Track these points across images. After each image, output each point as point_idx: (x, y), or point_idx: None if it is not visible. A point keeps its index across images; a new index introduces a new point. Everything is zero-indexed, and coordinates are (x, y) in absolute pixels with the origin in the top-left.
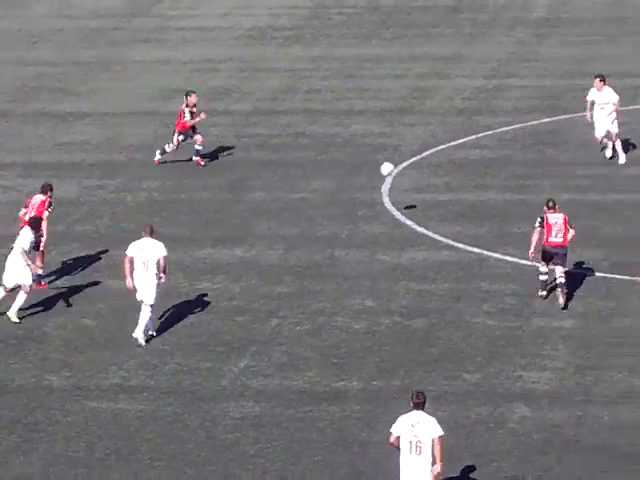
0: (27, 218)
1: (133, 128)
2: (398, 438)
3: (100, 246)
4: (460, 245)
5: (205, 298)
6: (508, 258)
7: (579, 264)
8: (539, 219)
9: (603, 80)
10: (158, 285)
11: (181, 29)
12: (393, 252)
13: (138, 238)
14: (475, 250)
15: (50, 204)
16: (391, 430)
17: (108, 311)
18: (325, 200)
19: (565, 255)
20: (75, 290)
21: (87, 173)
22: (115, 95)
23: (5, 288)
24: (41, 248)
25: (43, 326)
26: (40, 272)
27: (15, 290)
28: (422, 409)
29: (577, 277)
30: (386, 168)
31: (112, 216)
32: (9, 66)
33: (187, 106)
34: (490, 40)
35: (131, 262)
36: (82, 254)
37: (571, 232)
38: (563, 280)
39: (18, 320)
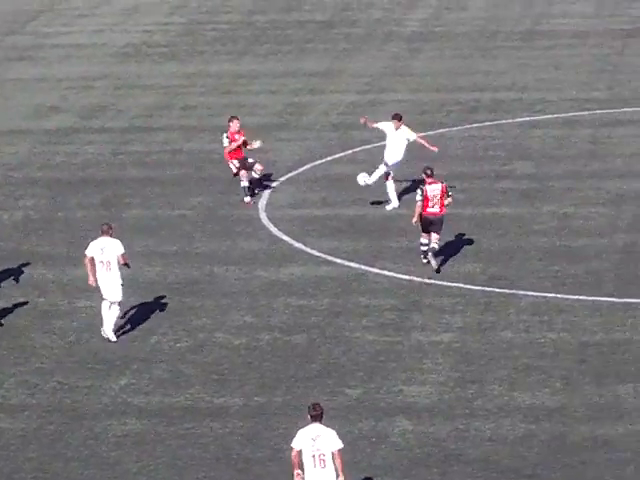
0: None
1: (9, 146)
2: (300, 452)
3: None
4: (338, 260)
5: (83, 316)
6: (386, 273)
7: (457, 277)
8: (419, 191)
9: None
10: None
11: (56, 46)
12: (271, 268)
13: (15, 257)
14: (353, 265)
15: None
16: (292, 445)
17: None
18: (203, 217)
19: (441, 223)
20: None
21: None
22: None
23: None
24: None
25: None
26: None
27: None
28: (320, 421)
29: (455, 290)
30: (361, 178)
31: None
32: None
33: (227, 132)
34: (364, 55)
35: (92, 262)
36: None
37: (448, 200)
38: (436, 246)
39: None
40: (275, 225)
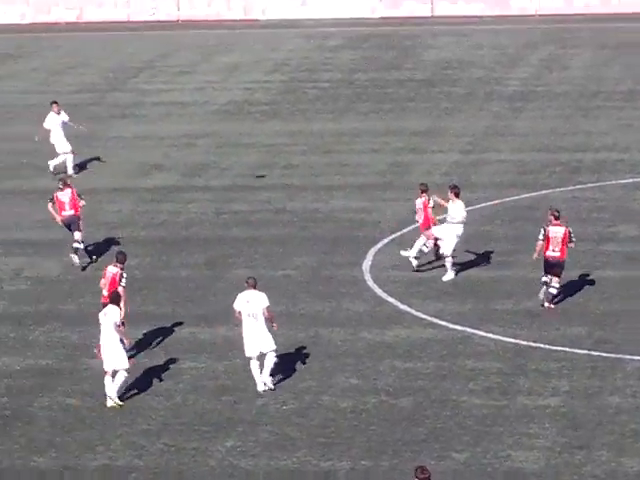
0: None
1: (112, 204)
2: None
3: (82, 325)
4: (443, 323)
5: (188, 377)
6: (492, 335)
7: (562, 341)
8: (542, 231)
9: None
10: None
11: (157, 104)
12: (376, 330)
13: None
14: (458, 328)
15: (122, 276)
16: None
17: (94, 390)
18: (307, 277)
19: (561, 268)
20: (59, 369)
21: (67, 251)
22: (93, 171)
23: (107, 373)
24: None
25: (29, 406)
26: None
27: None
28: None
29: (561, 354)
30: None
31: (93, 294)
32: None
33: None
34: (465, 114)
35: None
36: (65, 333)
37: (570, 245)
38: (554, 290)
39: (121, 403)
40: (380, 286)
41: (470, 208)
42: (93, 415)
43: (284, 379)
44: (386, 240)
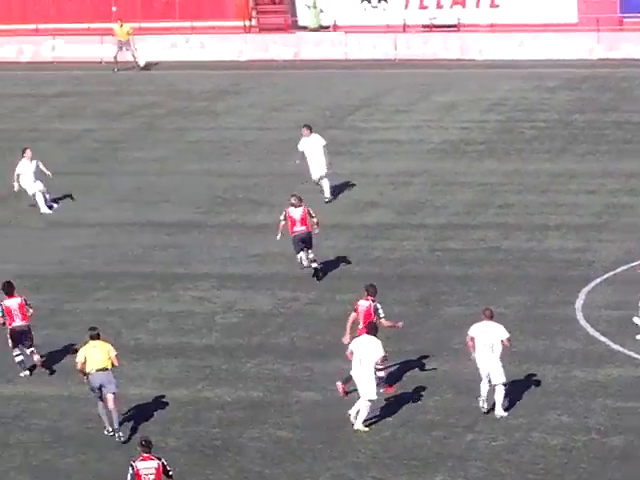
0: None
1: (327, 240)
2: None
3: (294, 358)
4: None
5: (401, 412)
6: None
7: None
8: None
9: None
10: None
11: (373, 142)
12: (589, 368)
13: (334, 351)
14: None
15: (377, 309)
16: None
17: (304, 423)
18: (520, 315)
19: None
20: (270, 402)
21: (281, 285)
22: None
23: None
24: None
25: (239, 437)
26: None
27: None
28: None
29: None
30: None
31: (306, 328)
32: (202, 177)
33: None
34: None
35: (472, 340)
36: (276, 365)
37: None
38: None
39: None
40: (592, 325)
41: None
42: (303, 447)
43: (495, 415)
44: (599, 280)
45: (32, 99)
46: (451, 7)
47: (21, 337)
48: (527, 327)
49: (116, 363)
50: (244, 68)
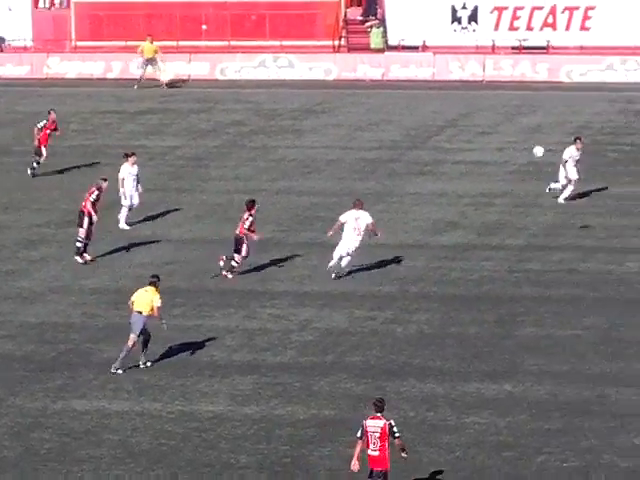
0: None
1: (406, 260)
2: None
3: (367, 377)
4: None
5: (471, 432)
6: None
7: None
8: None
9: None
10: None
11: (457, 162)
12: None
13: (407, 372)
14: None
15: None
16: None
17: None
18: (597, 337)
19: None
20: (342, 420)
21: (358, 304)
22: (388, 226)
23: None
24: None
25: (310, 455)
26: None
27: None
28: None
29: None
30: (538, 150)
31: (381, 348)
32: (283, 195)
33: None
34: None
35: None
36: (349, 384)
37: None
38: None
39: None
40: None
41: None
42: None
43: (566, 436)
44: None
45: (117, 115)
46: (541, 29)
47: None
48: (602, 350)
49: (156, 314)
50: (332, 87)
